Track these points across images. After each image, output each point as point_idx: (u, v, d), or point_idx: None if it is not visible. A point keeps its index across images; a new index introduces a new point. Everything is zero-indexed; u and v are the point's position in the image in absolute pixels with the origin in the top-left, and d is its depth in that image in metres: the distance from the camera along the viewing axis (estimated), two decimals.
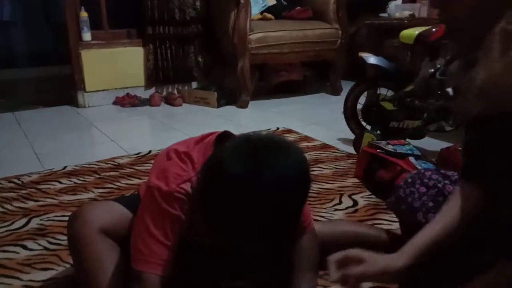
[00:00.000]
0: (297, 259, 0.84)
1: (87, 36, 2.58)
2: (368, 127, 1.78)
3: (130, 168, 1.60)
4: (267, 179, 0.61)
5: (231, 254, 0.87)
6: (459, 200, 0.72)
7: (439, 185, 0.83)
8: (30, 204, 1.30)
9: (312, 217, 0.89)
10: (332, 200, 1.30)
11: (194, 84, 2.94)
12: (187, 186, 0.75)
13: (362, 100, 1.84)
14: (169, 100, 2.72)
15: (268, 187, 0.61)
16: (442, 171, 0.88)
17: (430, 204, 0.81)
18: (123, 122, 2.38)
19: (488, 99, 0.55)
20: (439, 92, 1.56)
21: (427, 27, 1.57)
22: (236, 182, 0.61)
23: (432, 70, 1.57)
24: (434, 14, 2.13)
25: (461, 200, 0.71)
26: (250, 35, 2.50)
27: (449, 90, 1.50)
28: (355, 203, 1.28)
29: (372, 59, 1.68)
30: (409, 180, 0.88)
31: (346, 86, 1.97)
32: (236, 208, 0.62)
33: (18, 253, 1.03)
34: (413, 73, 1.65)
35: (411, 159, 1.39)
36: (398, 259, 0.70)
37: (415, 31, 1.58)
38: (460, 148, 1.35)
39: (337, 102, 2.19)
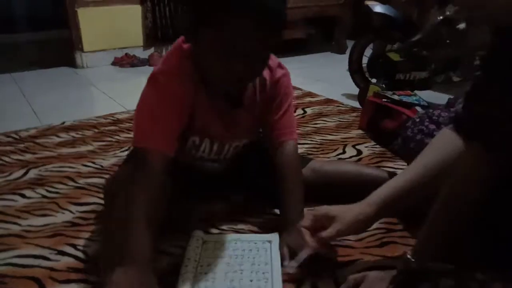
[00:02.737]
0: (281, 176, 0.85)
1: None
2: (374, 81, 1.72)
3: (129, 122, 1.56)
4: None
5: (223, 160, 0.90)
6: (442, 145, 0.69)
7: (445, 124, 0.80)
8: (28, 156, 1.28)
9: (295, 129, 0.90)
10: (336, 150, 1.27)
11: None
12: (189, 63, 0.75)
13: (368, 53, 1.77)
14: None
15: None
16: (452, 108, 0.84)
17: None
18: (122, 82, 2.33)
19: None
20: (448, 41, 1.49)
21: None
22: None
23: (441, 17, 1.50)
24: None
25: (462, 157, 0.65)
26: None
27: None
28: (359, 152, 1.25)
29: (378, 7, 1.60)
30: (417, 119, 0.85)
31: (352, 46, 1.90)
32: None
33: (16, 201, 1.02)
34: (420, 23, 1.58)
35: (418, 108, 1.34)
36: (368, 205, 0.69)
37: None
38: None
39: (342, 61, 2.11)
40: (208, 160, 0.89)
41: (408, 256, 0.61)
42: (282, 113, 0.87)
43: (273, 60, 0.85)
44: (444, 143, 0.69)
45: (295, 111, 1.63)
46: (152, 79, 0.76)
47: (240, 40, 0.66)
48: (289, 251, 0.77)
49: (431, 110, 0.86)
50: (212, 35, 0.68)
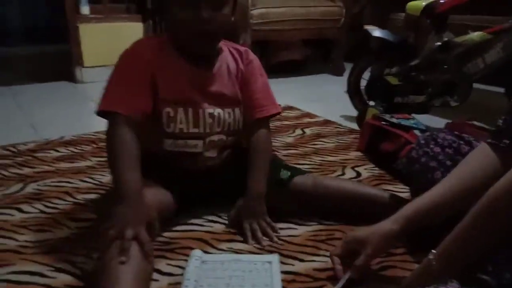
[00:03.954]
0: (251, 158, 0.95)
1: (85, 9, 2.52)
2: (372, 104, 1.74)
3: None
4: None
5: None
6: (476, 163, 0.69)
7: (454, 145, 0.81)
8: (26, 170, 1.27)
9: (271, 104, 1.01)
10: (335, 171, 1.28)
11: None
12: (156, 36, 0.93)
13: (366, 76, 1.80)
14: None
15: None
16: (456, 132, 0.86)
17: (448, 163, 0.79)
18: None
19: None
20: (445, 66, 1.53)
21: None
22: None
23: (439, 43, 1.53)
24: None
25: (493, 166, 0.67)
26: (251, 10, 2.45)
27: None
28: (358, 174, 1.26)
29: (377, 32, 1.64)
30: (422, 141, 0.87)
31: (349, 68, 1.94)
32: None
33: (13, 215, 1.00)
34: (418, 47, 1.61)
35: (416, 132, 1.36)
36: (394, 223, 0.70)
37: (422, 2, 1.54)
38: (468, 122, 1.33)
39: (340, 82, 2.14)
40: (189, 137, 0.92)
41: (431, 258, 0.61)
42: (263, 92, 0.99)
43: (240, 46, 1.00)
44: (478, 160, 0.69)
45: (293, 131, 1.67)
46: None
47: None
48: (235, 216, 0.93)
49: (435, 133, 0.87)
50: None
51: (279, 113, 1.03)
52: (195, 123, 0.92)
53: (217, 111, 0.94)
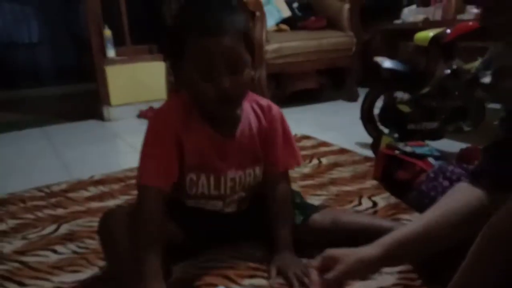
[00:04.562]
0: (274, 214, 0.97)
1: (111, 52, 2.69)
2: (386, 131, 1.78)
3: None
4: None
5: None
6: (457, 198, 0.71)
7: (463, 178, 0.83)
8: (59, 211, 1.36)
9: (292, 157, 1.01)
10: (352, 201, 1.31)
11: None
12: (182, 98, 0.89)
13: (379, 103, 1.84)
14: None
15: None
16: (464, 165, 0.88)
17: None
18: None
19: None
20: (456, 93, 1.55)
21: (441, 29, 1.57)
22: None
23: (448, 71, 1.57)
24: (448, 17, 2.14)
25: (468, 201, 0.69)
26: (266, 46, 2.55)
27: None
28: (375, 204, 1.28)
29: (387, 63, 1.69)
30: (432, 175, 0.90)
31: (363, 93, 1.99)
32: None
33: (48, 257, 1.08)
34: (428, 75, 1.65)
35: (430, 159, 1.38)
36: (373, 248, 0.70)
37: (429, 32, 1.58)
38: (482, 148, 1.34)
39: (354, 109, 2.18)
40: (211, 198, 0.96)
41: None
42: (285, 145, 0.98)
43: (262, 100, 0.98)
44: (459, 195, 0.71)
45: (310, 161, 1.71)
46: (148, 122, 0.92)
47: (218, 57, 0.78)
48: (276, 271, 0.90)
49: (444, 166, 0.91)
50: (195, 58, 0.80)
51: (299, 165, 1.04)
52: (216, 186, 0.94)
53: (239, 174, 0.95)
